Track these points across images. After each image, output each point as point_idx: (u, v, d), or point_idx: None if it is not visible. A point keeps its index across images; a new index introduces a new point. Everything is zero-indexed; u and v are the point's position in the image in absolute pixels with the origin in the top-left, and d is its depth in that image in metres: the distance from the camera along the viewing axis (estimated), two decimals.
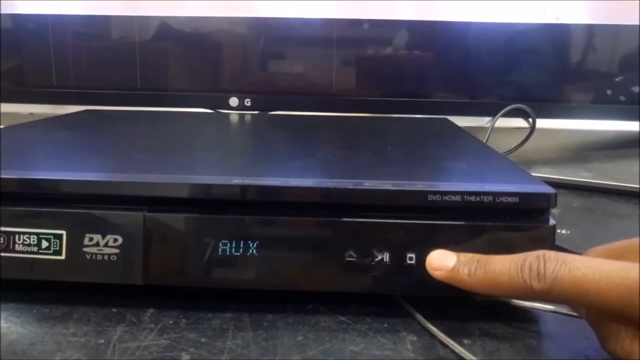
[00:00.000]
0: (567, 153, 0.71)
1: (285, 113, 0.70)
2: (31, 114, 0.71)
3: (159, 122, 0.62)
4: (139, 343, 0.29)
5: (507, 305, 0.33)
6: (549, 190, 0.31)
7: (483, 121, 0.69)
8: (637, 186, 0.57)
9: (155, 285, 0.32)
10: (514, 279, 0.26)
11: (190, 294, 0.33)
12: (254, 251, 0.31)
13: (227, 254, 0.31)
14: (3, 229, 0.32)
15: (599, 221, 0.51)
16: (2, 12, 0.70)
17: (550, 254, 0.25)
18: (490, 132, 0.65)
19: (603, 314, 0.25)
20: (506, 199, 0.31)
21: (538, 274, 0.25)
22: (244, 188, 0.31)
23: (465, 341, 0.30)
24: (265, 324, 0.31)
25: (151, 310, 0.32)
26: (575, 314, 0.31)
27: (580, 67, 0.69)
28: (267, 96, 0.71)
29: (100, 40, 0.72)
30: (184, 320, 0.31)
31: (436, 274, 0.29)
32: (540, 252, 0.26)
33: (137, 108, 0.70)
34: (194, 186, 0.32)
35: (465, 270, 0.28)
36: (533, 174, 0.58)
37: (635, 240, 0.27)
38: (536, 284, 0.25)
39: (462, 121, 0.64)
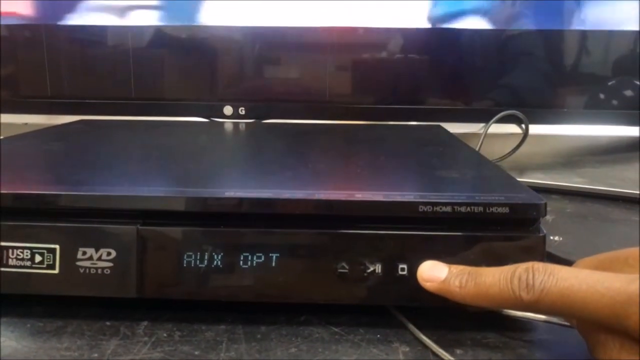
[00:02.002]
0: (560, 159, 0.72)
1: (279, 121, 0.71)
2: (25, 124, 0.71)
3: (152, 132, 0.62)
4: (133, 356, 0.29)
5: (499, 315, 0.33)
6: (539, 200, 0.32)
7: (476, 127, 0.69)
8: (630, 191, 0.57)
9: (149, 298, 0.32)
10: (504, 290, 0.26)
11: (184, 306, 0.33)
12: (247, 263, 0.31)
13: (220, 266, 0.31)
14: None
15: (592, 227, 0.51)
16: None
17: (539, 266, 0.26)
18: (484, 138, 0.66)
19: (591, 324, 0.26)
20: (497, 209, 0.31)
21: (527, 285, 0.25)
22: (237, 201, 0.32)
23: (458, 351, 0.30)
24: (258, 335, 0.31)
25: (145, 323, 0.32)
26: (566, 323, 0.31)
27: (573, 73, 0.70)
28: (261, 104, 0.71)
29: (94, 50, 0.72)
30: (177, 333, 0.31)
31: (427, 285, 0.30)
32: (530, 263, 0.26)
33: (131, 117, 0.70)
34: (188, 199, 0.32)
35: (457, 283, 0.28)
36: (526, 180, 0.59)
37: (621, 250, 0.28)
38: (525, 295, 0.25)
39: (455, 128, 0.65)
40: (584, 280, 0.24)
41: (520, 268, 0.26)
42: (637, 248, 0.27)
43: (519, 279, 0.26)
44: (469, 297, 0.28)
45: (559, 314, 0.30)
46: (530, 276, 0.25)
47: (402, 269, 0.31)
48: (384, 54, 0.71)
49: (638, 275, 0.24)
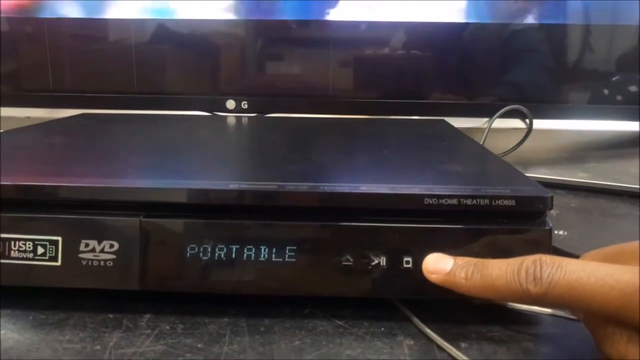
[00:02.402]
0: (564, 153, 0.71)
1: (282, 115, 0.70)
2: (28, 117, 0.71)
3: (155, 125, 0.62)
4: (136, 349, 0.29)
5: (504, 308, 0.33)
6: (545, 193, 0.31)
7: (480, 122, 0.69)
8: (635, 186, 0.57)
9: (151, 291, 0.32)
10: (511, 282, 0.26)
11: (187, 298, 0.33)
12: (251, 256, 0.31)
13: (224, 258, 0.31)
14: None
15: (596, 222, 0.51)
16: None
17: (547, 258, 0.25)
18: (488, 133, 0.65)
19: (599, 317, 0.25)
20: (502, 202, 0.31)
21: (534, 278, 0.25)
22: (240, 193, 0.31)
23: (462, 344, 0.30)
24: (262, 328, 0.31)
25: (148, 315, 0.32)
26: (572, 316, 0.31)
27: (577, 67, 0.69)
28: (263, 98, 0.71)
29: (96, 44, 0.72)
30: (180, 326, 0.31)
31: (432, 277, 0.29)
32: (537, 256, 0.26)
33: (133, 111, 0.70)
34: (190, 191, 0.32)
35: (462, 274, 0.28)
36: (530, 175, 0.59)
37: (628, 243, 0.27)
38: (532, 288, 0.25)
39: (459, 122, 0.64)
40: (592, 273, 0.24)
41: (528, 260, 0.26)
42: None
43: (527, 271, 0.25)
44: (475, 289, 0.28)
45: (567, 307, 0.30)
46: (538, 269, 0.25)
47: (407, 262, 0.31)
48: (387, 48, 0.70)
49: None
